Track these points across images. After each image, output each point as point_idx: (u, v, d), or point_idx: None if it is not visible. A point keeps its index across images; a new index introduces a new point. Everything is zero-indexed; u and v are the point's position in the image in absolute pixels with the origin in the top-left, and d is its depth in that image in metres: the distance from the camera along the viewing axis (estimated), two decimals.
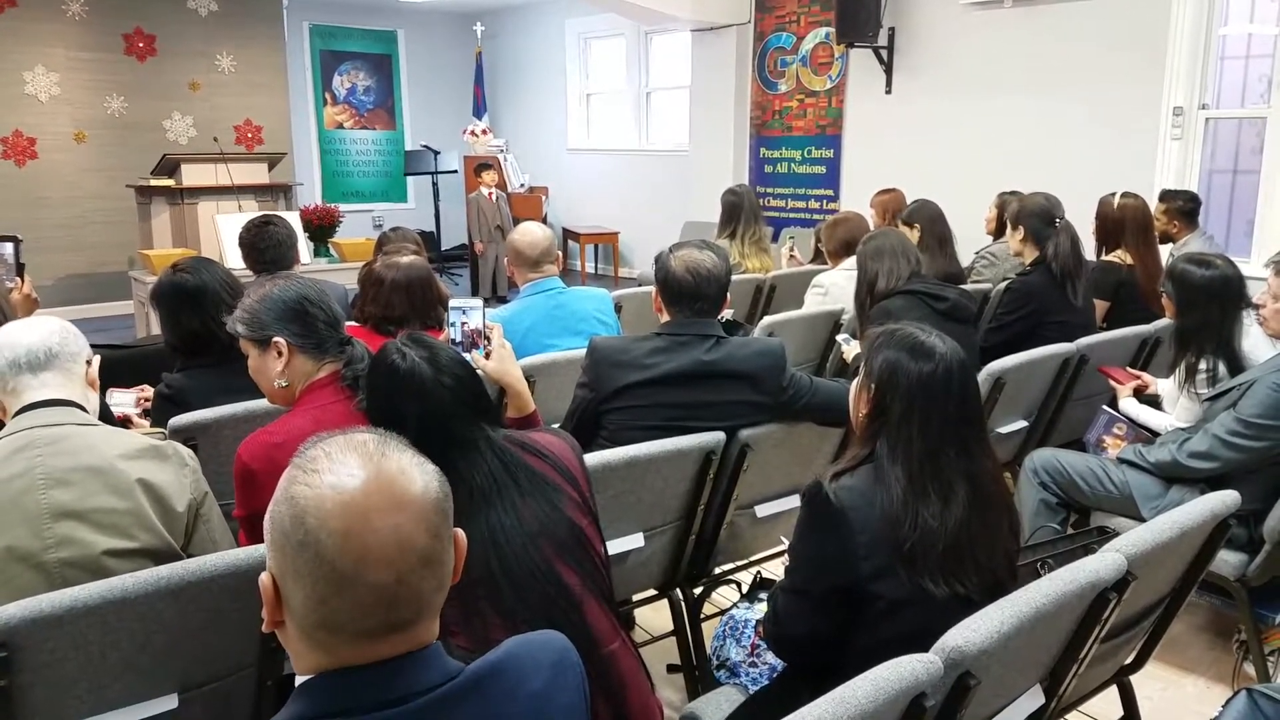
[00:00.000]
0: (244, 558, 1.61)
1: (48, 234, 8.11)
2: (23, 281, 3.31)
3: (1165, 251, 4.40)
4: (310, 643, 0.93)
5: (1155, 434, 2.97)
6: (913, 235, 4.03)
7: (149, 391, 2.66)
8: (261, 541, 1.70)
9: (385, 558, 0.90)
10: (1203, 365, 2.84)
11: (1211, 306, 2.84)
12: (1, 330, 1.79)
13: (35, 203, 8.29)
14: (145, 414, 2.65)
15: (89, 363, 1.85)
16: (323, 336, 1.96)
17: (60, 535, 1.62)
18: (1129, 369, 3.30)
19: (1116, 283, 3.96)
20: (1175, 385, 2.95)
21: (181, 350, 2.54)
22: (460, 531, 1.00)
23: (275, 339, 1.93)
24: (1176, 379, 2.93)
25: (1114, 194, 4.18)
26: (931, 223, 4.22)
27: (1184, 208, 4.60)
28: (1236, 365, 2.83)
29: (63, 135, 8.48)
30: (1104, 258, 4.10)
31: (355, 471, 0.92)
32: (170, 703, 1.60)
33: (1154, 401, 3.14)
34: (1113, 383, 3.18)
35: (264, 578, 0.94)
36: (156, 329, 6.29)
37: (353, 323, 2.74)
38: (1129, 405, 3.09)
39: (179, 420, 2.30)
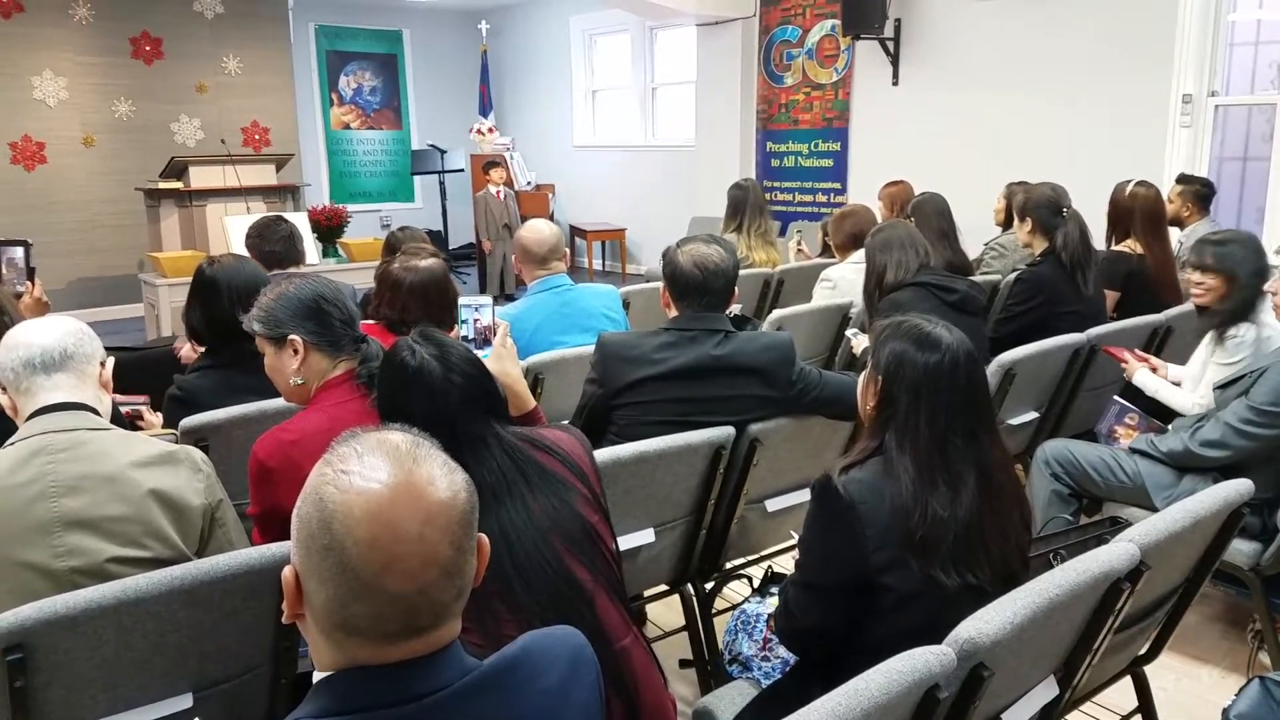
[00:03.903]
0: (257, 557, 1.62)
1: (58, 238, 8.14)
2: (34, 285, 3.32)
3: (1174, 236, 4.38)
4: (329, 640, 0.94)
5: (1175, 415, 2.96)
6: None
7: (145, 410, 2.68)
8: (275, 539, 1.73)
9: (408, 570, 0.90)
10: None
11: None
12: (17, 329, 1.80)
13: (45, 207, 8.33)
14: (155, 408, 2.66)
15: (103, 364, 1.85)
16: (338, 334, 1.98)
17: (70, 544, 1.62)
18: (1136, 350, 3.28)
19: (1126, 273, 3.94)
20: (1205, 357, 2.94)
21: (192, 338, 2.61)
22: (484, 537, 1.00)
23: (291, 337, 1.95)
24: (1213, 341, 2.94)
25: (1128, 182, 4.16)
26: (928, 217, 4.20)
27: (1200, 192, 4.58)
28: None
29: (71, 139, 8.51)
30: (1114, 247, 4.08)
31: (385, 478, 0.92)
32: (185, 702, 1.61)
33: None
34: (1122, 364, 3.16)
35: (287, 572, 0.95)
36: (167, 331, 6.33)
37: (367, 321, 2.74)
38: (1145, 379, 3.07)
39: (190, 421, 2.31)
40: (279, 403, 2.29)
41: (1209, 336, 2.98)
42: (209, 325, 2.54)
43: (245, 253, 3.68)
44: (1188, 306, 3.82)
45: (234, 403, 2.39)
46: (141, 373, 2.86)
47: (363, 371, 1.97)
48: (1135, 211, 4.02)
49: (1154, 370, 3.15)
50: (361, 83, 11.07)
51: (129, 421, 2.48)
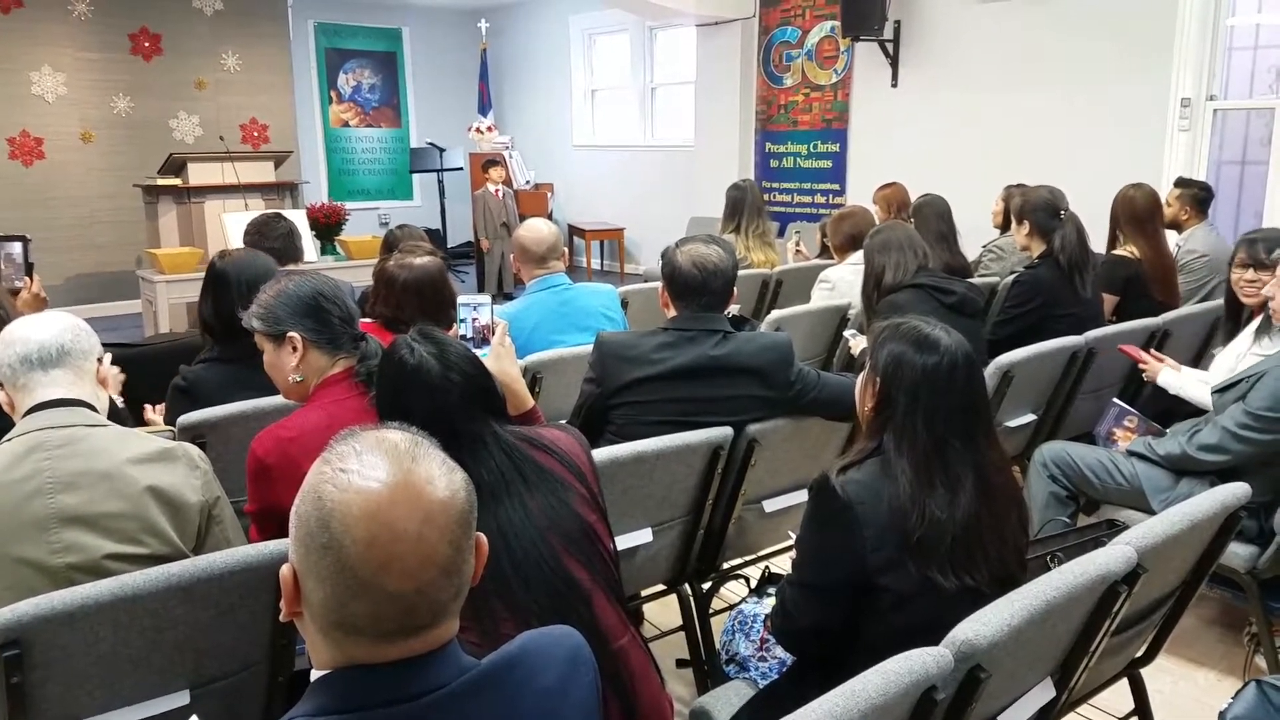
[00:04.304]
0: (254, 554, 1.62)
1: (56, 234, 8.14)
2: (32, 281, 3.32)
3: (1171, 240, 4.39)
4: (327, 639, 0.94)
5: (1175, 418, 2.95)
6: None
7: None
8: (272, 537, 1.73)
9: (406, 569, 0.90)
10: None
11: None
12: (14, 325, 1.80)
13: (43, 203, 8.32)
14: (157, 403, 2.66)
15: (100, 360, 1.85)
16: (337, 332, 1.98)
17: (67, 541, 1.62)
18: (1154, 351, 3.27)
19: (1126, 277, 3.95)
20: (1241, 350, 2.94)
21: (204, 330, 2.64)
22: (482, 536, 1.00)
23: (290, 334, 1.95)
24: (1259, 333, 2.93)
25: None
26: (928, 219, 4.21)
27: (1198, 195, 4.58)
28: None
29: (70, 135, 8.50)
30: (1115, 251, 4.09)
31: (383, 477, 0.92)
32: (182, 699, 1.61)
33: (1162, 393, 3.12)
34: (1142, 365, 3.15)
35: (285, 570, 0.95)
36: (165, 327, 6.31)
37: (365, 319, 2.74)
38: (1169, 378, 3.06)
39: (187, 419, 2.31)
40: (277, 400, 2.29)
41: (1249, 331, 2.96)
42: (218, 318, 2.54)
43: None
44: (1187, 309, 3.83)
45: (238, 397, 2.39)
46: (139, 369, 2.85)
47: (361, 369, 1.97)
48: (1120, 213, 4.04)
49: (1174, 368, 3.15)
50: (361, 80, 11.06)
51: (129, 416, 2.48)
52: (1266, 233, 3.10)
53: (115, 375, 2.52)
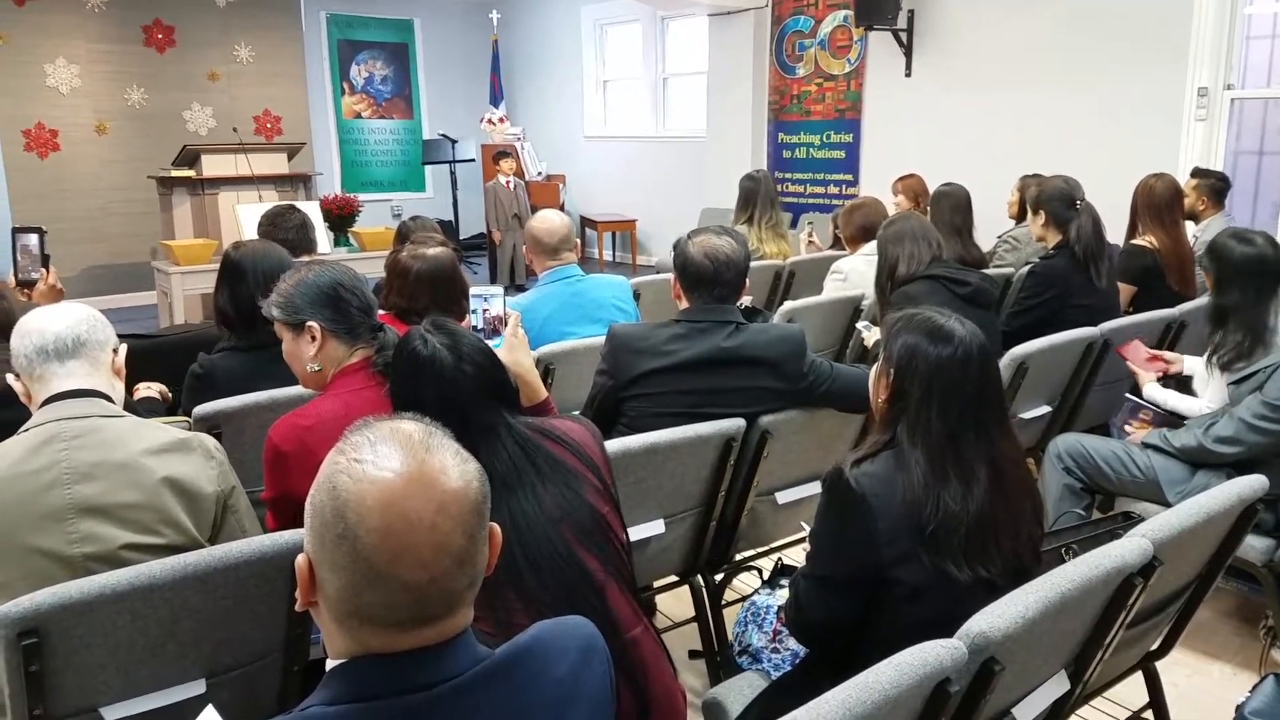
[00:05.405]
0: (269, 545, 1.62)
1: (71, 225, 8.18)
2: (48, 272, 3.34)
3: (1189, 231, 4.35)
4: (342, 628, 0.94)
5: (1183, 418, 2.94)
6: None
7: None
8: (288, 525, 1.74)
9: (421, 559, 0.90)
10: (1231, 342, 2.82)
11: (1248, 284, 2.82)
12: (30, 316, 1.81)
13: (58, 194, 8.37)
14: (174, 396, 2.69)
15: (115, 351, 1.86)
16: (355, 322, 1.99)
17: (84, 531, 1.64)
18: (1154, 352, 3.25)
19: (1143, 267, 3.92)
20: (1205, 363, 2.92)
21: (220, 321, 2.66)
22: (495, 526, 1.00)
23: (309, 323, 1.96)
24: (1206, 356, 2.91)
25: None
26: (943, 211, 4.19)
27: (1215, 185, 4.54)
28: (1263, 344, 2.79)
29: (84, 127, 8.55)
30: (1133, 241, 4.06)
31: (398, 467, 0.92)
32: (198, 688, 1.62)
33: (1183, 383, 3.10)
34: (1133, 369, 3.13)
35: (300, 560, 0.95)
36: (180, 319, 6.33)
37: (380, 310, 2.75)
38: (1154, 391, 3.05)
39: (203, 409, 2.32)
40: (291, 391, 2.30)
41: (1212, 344, 2.93)
42: (235, 308, 2.56)
43: None
44: (1203, 300, 3.80)
45: (255, 387, 2.41)
46: (154, 360, 2.87)
47: (379, 360, 1.98)
48: (1140, 201, 4.02)
49: (1168, 366, 3.13)
50: (373, 72, 11.06)
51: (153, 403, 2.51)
52: (1244, 233, 3.01)
53: (162, 390, 2.59)
